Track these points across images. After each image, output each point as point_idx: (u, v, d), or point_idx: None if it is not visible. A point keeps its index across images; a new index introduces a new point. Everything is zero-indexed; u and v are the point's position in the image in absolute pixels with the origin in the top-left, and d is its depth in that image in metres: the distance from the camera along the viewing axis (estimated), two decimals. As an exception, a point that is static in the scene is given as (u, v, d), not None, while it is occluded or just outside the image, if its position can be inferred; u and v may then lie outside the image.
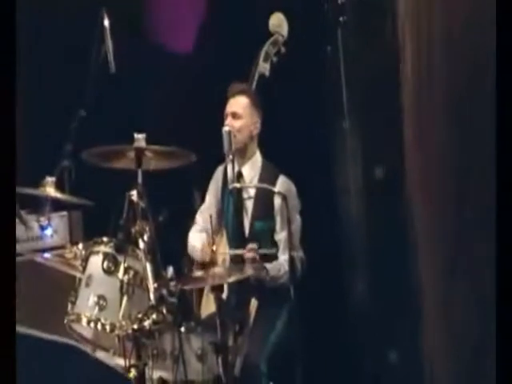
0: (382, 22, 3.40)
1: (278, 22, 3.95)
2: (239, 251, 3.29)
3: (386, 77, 3.40)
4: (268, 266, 3.32)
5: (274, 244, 3.41)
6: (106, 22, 3.68)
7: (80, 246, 2.90)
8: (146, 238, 2.75)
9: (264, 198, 3.44)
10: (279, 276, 3.32)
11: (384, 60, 3.39)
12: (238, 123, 3.45)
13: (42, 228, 3.14)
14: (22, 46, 4.36)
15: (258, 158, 3.56)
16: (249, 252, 3.24)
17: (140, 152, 2.89)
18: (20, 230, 2.89)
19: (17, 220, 2.87)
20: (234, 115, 3.47)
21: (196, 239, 3.49)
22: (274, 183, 3.39)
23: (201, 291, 3.30)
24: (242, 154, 3.50)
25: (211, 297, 3.11)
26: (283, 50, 3.96)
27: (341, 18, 3.83)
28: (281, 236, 3.39)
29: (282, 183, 3.44)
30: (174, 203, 3.51)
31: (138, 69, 4.29)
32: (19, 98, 4.27)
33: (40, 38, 4.39)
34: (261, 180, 3.48)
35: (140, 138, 2.91)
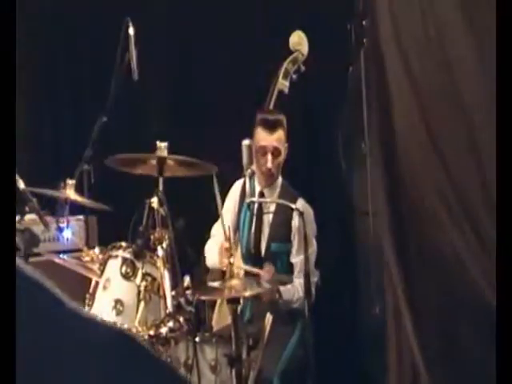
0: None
1: (298, 40, 3.97)
2: (255, 269, 3.27)
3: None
4: (282, 288, 3.29)
5: (290, 266, 3.38)
6: (131, 31, 3.70)
7: (96, 249, 2.89)
8: (164, 245, 2.75)
9: (282, 218, 3.40)
10: (293, 301, 3.29)
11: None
12: (277, 160, 3.37)
13: (61, 230, 3.12)
14: (48, 51, 4.42)
15: (279, 181, 3.50)
16: (266, 273, 3.23)
17: (162, 161, 2.88)
18: (38, 230, 2.88)
19: (37, 220, 2.86)
20: (275, 152, 3.35)
21: (213, 249, 3.46)
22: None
23: (213, 302, 3.28)
24: (270, 180, 3.45)
25: (224, 309, 3.09)
26: (303, 68, 3.98)
27: (364, 40, 3.84)
28: (297, 259, 3.35)
29: (301, 204, 3.39)
30: (191, 212, 3.51)
31: (161, 77, 4.32)
32: (44, 101, 4.34)
33: (66, 45, 4.42)
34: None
35: (162, 147, 2.90)
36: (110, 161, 3.01)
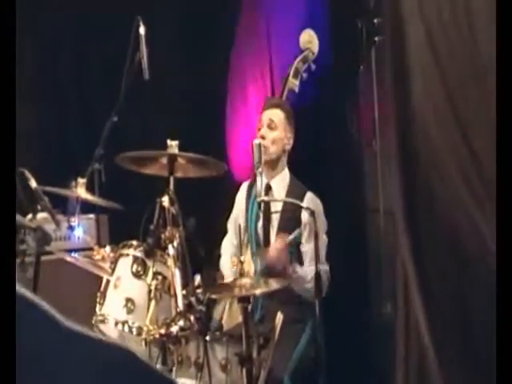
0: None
1: (308, 39, 3.97)
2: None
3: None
4: (297, 267, 3.32)
5: (300, 256, 3.39)
6: (142, 30, 3.71)
7: (107, 248, 2.89)
8: (175, 244, 2.75)
9: (291, 213, 3.43)
10: (307, 280, 3.27)
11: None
12: (273, 134, 3.45)
13: (72, 228, 3.13)
14: (59, 49, 4.44)
15: (286, 173, 3.56)
16: (277, 240, 3.26)
17: (173, 158, 2.88)
18: (50, 228, 2.89)
19: (49, 218, 2.87)
20: (270, 125, 3.46)
21: (226, 265, 3.50)
22: (301, 199, 3.38)
23: (224, 301, 3.27)
24: (273, 167, 3.49)
25: (235, 308, 3.09)
26: (313, 66, 3.98)
27: (376, 38, 3.83)
28: (307, 247, 3.37)
29: (310, 199, 3.42)
30: (202, 211, 3.51)
31: (172, 76, 4.32)
32: (55, 100, 4.36)
33: (77, 44, 4.43)
34: (289, 195, 3.47)
35: (173, 145, 2.91)
36: (120, 158, 3.01)
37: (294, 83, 3.88)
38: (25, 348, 0.57)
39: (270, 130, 3.46)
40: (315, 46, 3.96)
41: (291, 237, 3.28)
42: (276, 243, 3.29)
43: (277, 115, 3.50)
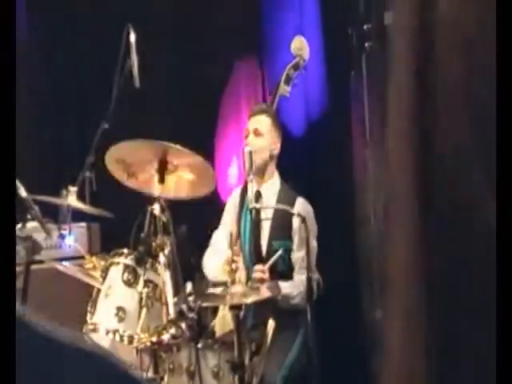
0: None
1: (299, 45, 3.98)
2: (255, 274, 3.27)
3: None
4: (281, 283, 3.28)
5: (290, 264, 3.39)
6: (132, 38, 3.71)
7: (98, 256, 2.89)
8: (166, 252, 2.75)
9: (282, 219, 3.42)
10: (292, 296, 3.28)
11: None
12: (259, 141, 3.44)
13: (63, 237, 3.12)
14: (49, 55, 4.44)
15: (276, 179, 3.55)
16: (256, 272, 3.21)
17: (163, 165, 2.88)
18: (40, 237, 2.88)
19: (39, 227, 2.86)
20: (255, 132, 3.46)
21: (210, 261, 3.45)
22: (292, 205, 3.38)
23: (216, 308, 3.27)
24: (261, 174, 3.48)
25: (226, 315, 3.08)
26: (304, 72, 3.99)
27: (366, 44, 3.84)
28: (298, 255, 3.36)
29: (301, 205, 3.42)
30: (192, 218, 3.51)
31: (163, 83, 4.33)
32: (44, 107, 4.35)
33: (66, 52, 4.43)
34: (279, 201, 3.46)
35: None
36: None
37: (285, 89, 3.88)
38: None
39: (256, 137, 3.45)
40: (306, 53, 3.96)
41: (270, 263, 3.24)
42: (256, 274, 3.21)
43: (262, 122, 3.50)
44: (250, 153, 3.29)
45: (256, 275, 3.19)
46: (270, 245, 3.40)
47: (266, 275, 3.18)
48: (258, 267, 3.21)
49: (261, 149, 3.43)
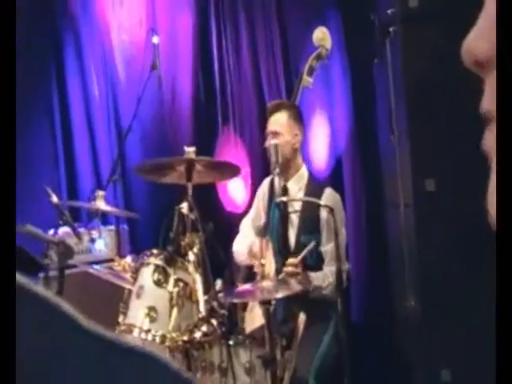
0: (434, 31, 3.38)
1: (321, 36, 3.96)
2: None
3: (436, 88, 3.37)
4: (312, 274, 3.32)
5: (320, 256, 3.40)
6: (156, 40, 3.76)
7: (128, 258, 2.94)
8: (195, 250, 2.77)
9: (310, 212, 3.43)
10: (323, 287, 3.31)
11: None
12: (278, 141, 3.43)
13: (93, 241, 3.19)
14: (74, 64, 4.49)
15: (304, 172, 3.55)
16: (288, 267, 3.23)
17: (190, 164, 2.91)
18: (72, 242, 2.95)
19: (71, 232, 2.93)
20: (274, 134, 3.47)
21: (241, 244, 3.52)
22: (320, 196, 3.38)
23: (244, 305, 3.30)
24: (287, 169, 3.48)
25: (256, 311, 3.10)
26: (327, 63, 3.97)
27: (390, 29, 3.79)
28: (327, 248, 3.38)
29: (329, 196, 3.42)
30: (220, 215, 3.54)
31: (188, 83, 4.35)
32: (76, 114, 4.40)
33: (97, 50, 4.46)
34: (307, 194, 3.47)
35: (190, 151, 2.94)
36: (138, 168, 3.06)
37: (308, 81, 3.87)
38: (39, 349, 0.58)
39: (275, 137, 3.44)
40: (328, 43, 3.94)
41: (302, 255, 3.26)
42: (288, 268, 3.23)
43: (279, 119, 3.50)
44: (276, 146, 3.30)
45: (288, 269, 3.21)
46: (298, 238, 3.42)
47: (299, 269, 3.20)
48: (290, 261, 3.23)
49: (281, 145, 3.42)
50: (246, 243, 3.50)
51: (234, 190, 4.33)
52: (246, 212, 3.83)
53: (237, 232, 3.69)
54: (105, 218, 3.20)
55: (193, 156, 2.93)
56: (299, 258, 3.23)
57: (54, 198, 2.93)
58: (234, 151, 4.33)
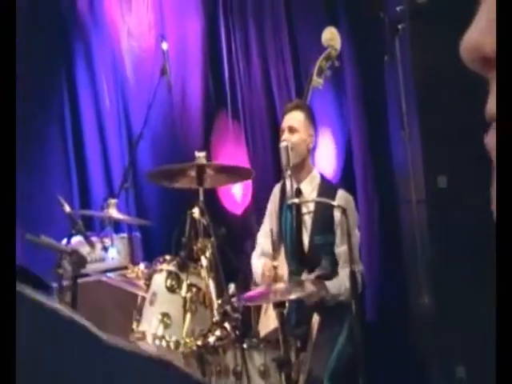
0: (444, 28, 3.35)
1: (330, 36, 3.95)
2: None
3: (447, 84, 3.34)
4: (328, 284, 3.30)
5: (334, 258, 3.39)
6: (165, 46, 3.77)
7: (141, 265, 2.95)
8: (208, 254, 2.78)
9: (323, 213, 3.43)
10: (340, 294, 3.30)
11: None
12: (294, 137, 3.45)
13: (106, 249, 3.20)
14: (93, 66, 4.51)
15: (316, 173, 3.55)
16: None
17: (201, 169, 2.93)
18: (85, 251, 2.96)
19: (83, 241, 2.94)
20: (291, 129, 3.48)
21: (257, 265, 3.52)
22: (333, 198, 3.37)
23: (259, 308, 3.30)
24: (300, 170, 3.48)
25: (270, 314, 3.10)
26: (337, 63, 3.96)
27: (399, 26, 3.77)
28: (341, 249, 3.36)
29: (341, 197, 3.41)
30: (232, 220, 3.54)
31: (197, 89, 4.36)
32: (86, 123, 4.43)
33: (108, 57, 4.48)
34: (320, 195, 3.46)
35: (201, 156, 2.95)
36: (149, 174, 3.07)
37: (318, 81, 3.87)
38: (62, 362, 0.59)
39: (291, 134, 3.46)
40: (338, 43, 3.93)
41: (315, 274, 3.27)
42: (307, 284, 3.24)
43: (296, 117, 3.51)
44: (287, 148, 3.31)
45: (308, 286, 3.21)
46: (311, 240, 3.41)
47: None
48: (306, 277, 3.24)
49: (297, 144, 3.43)
50: (260, 264, 3.49)
51: (236, 190, 4.33)
52: (245, 212, 3.82)
53: (245, 235, 3.69)
54: (117, 226, 3.21)
55: (203, 161, 2.95)
56: (313, 275, 3.25)
57: (67, 208, 2.95)
58: (244, 154, 4.34)
